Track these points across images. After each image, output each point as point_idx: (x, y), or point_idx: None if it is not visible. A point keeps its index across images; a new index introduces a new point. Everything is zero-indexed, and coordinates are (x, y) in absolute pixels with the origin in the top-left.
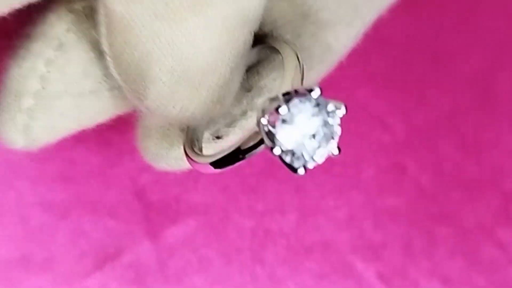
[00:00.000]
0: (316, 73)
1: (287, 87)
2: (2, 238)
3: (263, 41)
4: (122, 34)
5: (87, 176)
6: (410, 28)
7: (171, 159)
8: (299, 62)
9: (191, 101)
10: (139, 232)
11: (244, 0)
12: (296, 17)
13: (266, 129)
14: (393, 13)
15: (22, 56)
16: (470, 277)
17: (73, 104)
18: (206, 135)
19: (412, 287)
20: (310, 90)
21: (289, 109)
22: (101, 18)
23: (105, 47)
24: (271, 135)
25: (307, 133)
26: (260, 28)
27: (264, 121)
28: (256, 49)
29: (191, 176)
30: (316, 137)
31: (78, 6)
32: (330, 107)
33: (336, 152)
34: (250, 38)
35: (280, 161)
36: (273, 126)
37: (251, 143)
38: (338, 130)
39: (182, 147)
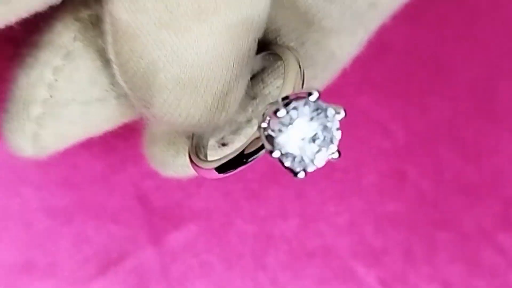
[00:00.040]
0: (320, 81)
1: (287, 92)
2: (6, 243)
3: (267, 48)
4: (128, 43)
5: (90, 181)
6: (412, 36)
7: (178, 166)
8: (300, 68)
9: (196, 108)
10: (142, 237)
11: (248, 9)
12: (300, 25)
13: (266, 133)
14: (395, 21)
15: (30, 65)
16: (471, 282)
17: (81, 112)
18: (212, 142)
19: None
20: (309, 94)
21: (287, 112)
22: (107, 27)
23: (111, 55)
24: (270, 139)
25: (307, 137)
26: (264, 36)
27: (264, 125)
28: (260, 56)
29: (194, 181)
30: (316, 141)
31: (84, 14)
32: (330, 111)
33: (336, 156)
34: (254, 46)
35: (280, 165)
36: (273, 130)
37: (254, 148)
38: (337, 134)
39: (187, 154)
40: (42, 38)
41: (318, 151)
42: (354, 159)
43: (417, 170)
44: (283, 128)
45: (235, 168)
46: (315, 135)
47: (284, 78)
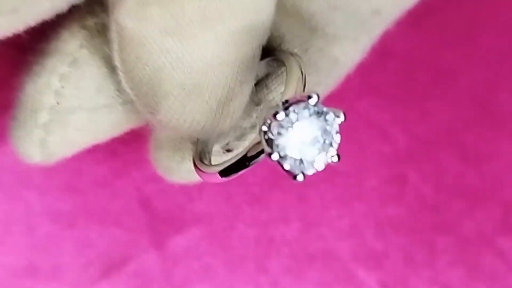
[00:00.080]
0: (323, 87)
1: (288, 96)
2: (10, 246)
3: (271, 54)
4: (134, 50)
5: (93, 186)
6: (413, 42)
7: (183, 172)
8: (302, 73)
9: (201, 114)
10: (145, 241)
11: (253, 16)
12: (304, 32)
13: (266, 136)
14: (396, 26)
15: (37, 72)
16: (471, 286)
17: (88, 119)
18: (217, 148)
19: None
20: (309, 97)
21: (287, 115)
22: (113, 34)
23: (117, 62)
24: (270, 142)
25: (306, 140)
26: (268, 42)
27: (264, 128)
28: (264, 62)
29: (196, 186)
30: (316, 144)
31: (90, 22)
32: (329, 114)
33: (335, 159)
34: (258, 52)
35: (280, 168)
36: (272, 133)
37: (256, 151)
38: (337, 138)
39: (192, 160)
40: (49, 45)
41: (317, 155)
42: (355, 164)
43: (417, 175)
44: (283, 131)
45: (237, 171)
46: (314, 138)
47: (285, 83)
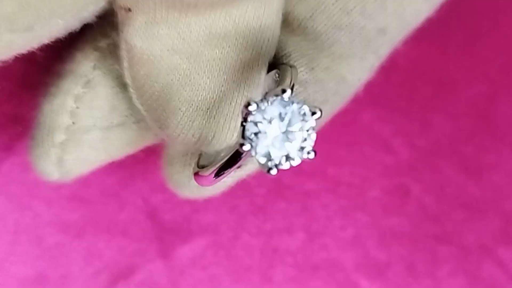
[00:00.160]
0: (331, 105)
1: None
2: (19, 256)
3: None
4: (143, 68)
5: (101, 196)
6: (414, 54)
7: (193, 187)
8: (291, 77)
9: (209, 129)
10: (151, 251)
11: (258, 34)
12: (310, 51)
13: (242, 129)
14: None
15: (53, 94)
16: None
17: (102, 137)
18: None
19: None
20: (283, 91)
21: (258, 105)
22: (123, 53)
23: (128, 79)
24: (244, 134)
25: (282, 134)
26: (276, 61)
27: (242, 121)
28: (270, 77)
29: None
30: (292, 139)
31: (103, 44)
32: (306, 110)
33: (312, 156)
34: (264, 69)
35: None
36: (247, 126)
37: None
38: (313, 134)
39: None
40: (64, 67)
41: (293, 150)
42: (358, 175)
43: (419, 185)
44: (260, 126)
45: (231, 167)
46: (290, 133)
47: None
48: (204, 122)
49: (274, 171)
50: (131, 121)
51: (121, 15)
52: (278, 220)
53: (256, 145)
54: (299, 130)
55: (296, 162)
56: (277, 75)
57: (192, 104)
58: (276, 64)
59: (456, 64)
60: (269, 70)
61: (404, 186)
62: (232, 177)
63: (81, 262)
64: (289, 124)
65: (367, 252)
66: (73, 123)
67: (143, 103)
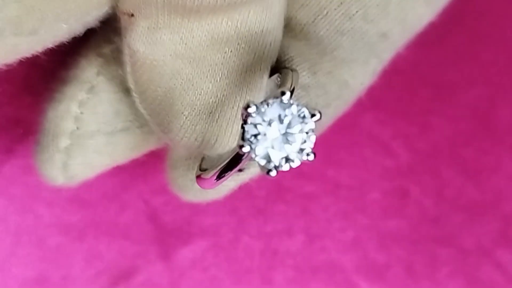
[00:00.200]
0: (333, 109)
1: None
2: (20, 258)
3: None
4: (146, 73)
5: (102, 199)
6: (415, 58)
7: (196, 191)
8: (292, 80)
9: (211, 133)
10: (152, 253)
11: (260, 38)
12: (313, 56)
13: (242, 131)
14: None
15: (57, 99)
16: None
17: (106, 142)
18: None
19: None
20: (282, 93)
21: (257, 108)
22: (126, 58)
23: (131, 84)
24: (244, 135)
25: (281, 136)
26: (279, 66)
27: (243, 123)
28: (272, 81)
29: None
30: (291, 141)
31: (106, 50)
32: (305, 113)
33: (311, 157)
34: (266, 73)
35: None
36: (247, 127)
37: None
38: (312, 136)
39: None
40: (68, 73)
41: (292, 152)
42: (358, 177)
43: (419, 188)
44: (259, 127)
45: (232, 169)
46: (290, 135)
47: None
48: (206, 126)
49: (273, 173)
50: (135, 126)
51: (123, 20)
52: (278, 222)
53: (256, 147)
54: (299, 132)
55: (295, 164)
56: (279, 79)
57: (194, 108)
58: (278, 68)
59: (456, 67)
60: (271, 75)
61: (403, 189)
62: (235, 180)
63: (82, 264)
64: (288, 126)
65: (367, 254)
66: (78, 128)
67: (146, 108)
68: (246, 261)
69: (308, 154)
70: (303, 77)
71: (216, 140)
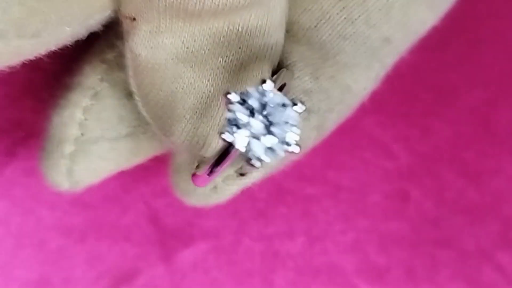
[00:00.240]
0: (336, 114)
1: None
2: (22, 260)
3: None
4: (148, 76)
5: (103, 201)
6: (416, 61)
7: (199, 195)
8: (281, 75)
9: (213, 136)
10: (153, 255)
11: (261, 42)
12: (315, 61)
13: (226, 120)
14: None
15: (62, 106)
16: None
17: (111, 148)
18: (230, 172)
19: None
20: (263, 82)
21: (239, 96)
22: (128, 61)
23: (133, 87)
24: (227, 124)
25: (261, 124)
26: (279, 69)
27: (226, 112)
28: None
29: None
30: (274, 131)
31: (110, 56)
32: (288, 103)
33: (296, 150)
34: (268, 76)
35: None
36: (229, 116)
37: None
38: (296, 127)
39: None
40: (72, 80)
41: (274, 142)
42: (359, 180)
43: (419, 191)
44: (239, 115)
45: (221, 163)
46: (272, 125)
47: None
48: (208, 129)
49: (257, 163)
50: (139, 131)
51: (126, 24)
52: (279, 225)
53: (237, 135)
54: (281, 122)
55: (278, 154)
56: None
57: (196, 112)
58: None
59: (457, 70)
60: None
61: (404, 191)
62: (237, 185)
63: (83, 266)
64: (270, 116)
65: (367, 256)
66: (82, 134)
67: (148, 111)
68: (247, 263)
69: (290, 145)
70: (306, 82)
71: (218, 143)
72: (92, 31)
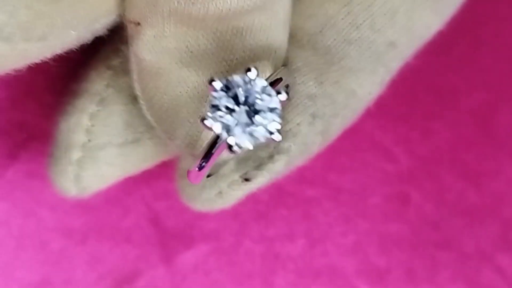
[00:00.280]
0: (341, 119)
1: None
2: (23, 261)
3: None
4: (152, 80)
5: (104, 202)
6: (416, 63)
7: (204, 200)
8: (276, 72)
9: None
10: (154, 257)
11: (264, 45)
12: (320, 66)
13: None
14: None
15: (69, 112)
16: None
17: (118, 154)
18: (235, 177)
19: None
20: (248, 70)
21: (222, 83)
22: (133, 65)
23: (137, 91)
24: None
25: (243, 111)
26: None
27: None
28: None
29: None
30: (255, 118)
31: (115, 62)
32: (271, 92)
33: (277, 137)
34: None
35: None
36: (212, 103)
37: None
38: (278, 116)
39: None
40: (78, 86)
41: (256, 129)
42: (359, 182)
43: (419, 193)
44: (223, 101)
45: (209, 156)
46: (254, 112)
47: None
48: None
49: (236, 149)
50: (146, 137)
51: (130, 29)
52: (280, 227)
53: (218, 121)
54: (264, 110)
55: (259, 140)
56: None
57: (200, 116)
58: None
59: (457, 73)
60: None
61: (404, 193)
62: (242, 190)
63: (84, 268)
64: (253, 103)
65: (368, 258)
66: (89, 140)
67: (152, 114)
68: (248, 265)
69: (272, 133)
70: (310, 86)
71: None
72: (97, 35)
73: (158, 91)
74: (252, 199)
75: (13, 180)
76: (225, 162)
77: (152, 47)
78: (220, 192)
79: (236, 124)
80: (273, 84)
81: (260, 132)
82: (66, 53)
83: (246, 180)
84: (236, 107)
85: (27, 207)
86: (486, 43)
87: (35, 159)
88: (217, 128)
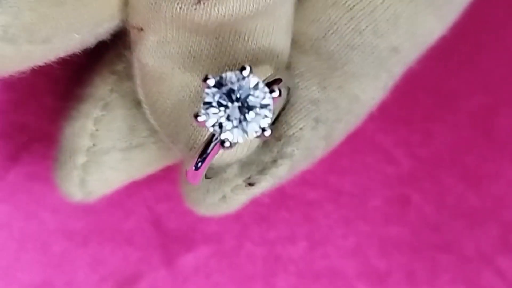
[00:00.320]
0: (344, 124)
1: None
2: (25, 263)
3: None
4: (155, 85)
5: (106, 205)
6: (417, 66)
7: (208, 204)
8: (277, 73)
9: None
10: (156, 259)
11: (267, 50)
12: (322, 71)
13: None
14: None
15: (73, 117)
16: None
17: (122, 158)
18: (239, 181)
19: None
20: (243, 68)
21: (216, 80)
22: (136, 70)
23: (141, 96)
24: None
25: (236, 107)
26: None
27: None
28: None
29: None
30: (248, 115)
31: (119, 67)
32: (264, 89)
33: (267, 133)
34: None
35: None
36: (206, 99)
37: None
38: (270, 112)
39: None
40: (83, 92)
41: (248, 125)
42: (360, 184)
43: (420, 195)
44: (216, 98)
45: (205, 155)
46: (247, 108)
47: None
48: None
49: (227, 145)
50: (150, 141)
51: (133, 34)
52: (281, 229)
53: (210, 117)
54: (255, 106)
55: (250, 136)
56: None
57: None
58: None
59: (458, 75)
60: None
61: (405, 196)
62: (246, 194)
63: (86, 270)
64: (245, 100)
65: (368, 260)
66: (94, 145)
67: (156, 119)
68: (249, 268)
69: (264, 130)
70: (313, 91)
71: (225, 152)
72: (100, 39)
73: (161, 95)
74: (253, 201)
75: (15, 182)
76: (228, 166)
77: (155, 53)
78: (224, 197)
79: (229, 120)
80: (272, 83)
81: (252, 128)
82: (70, 56)
83: (250, 184)
84: (229, 103)
85: (29, 209)
86: (486, 47)
87: (37, 162)
88: (210, 124)
